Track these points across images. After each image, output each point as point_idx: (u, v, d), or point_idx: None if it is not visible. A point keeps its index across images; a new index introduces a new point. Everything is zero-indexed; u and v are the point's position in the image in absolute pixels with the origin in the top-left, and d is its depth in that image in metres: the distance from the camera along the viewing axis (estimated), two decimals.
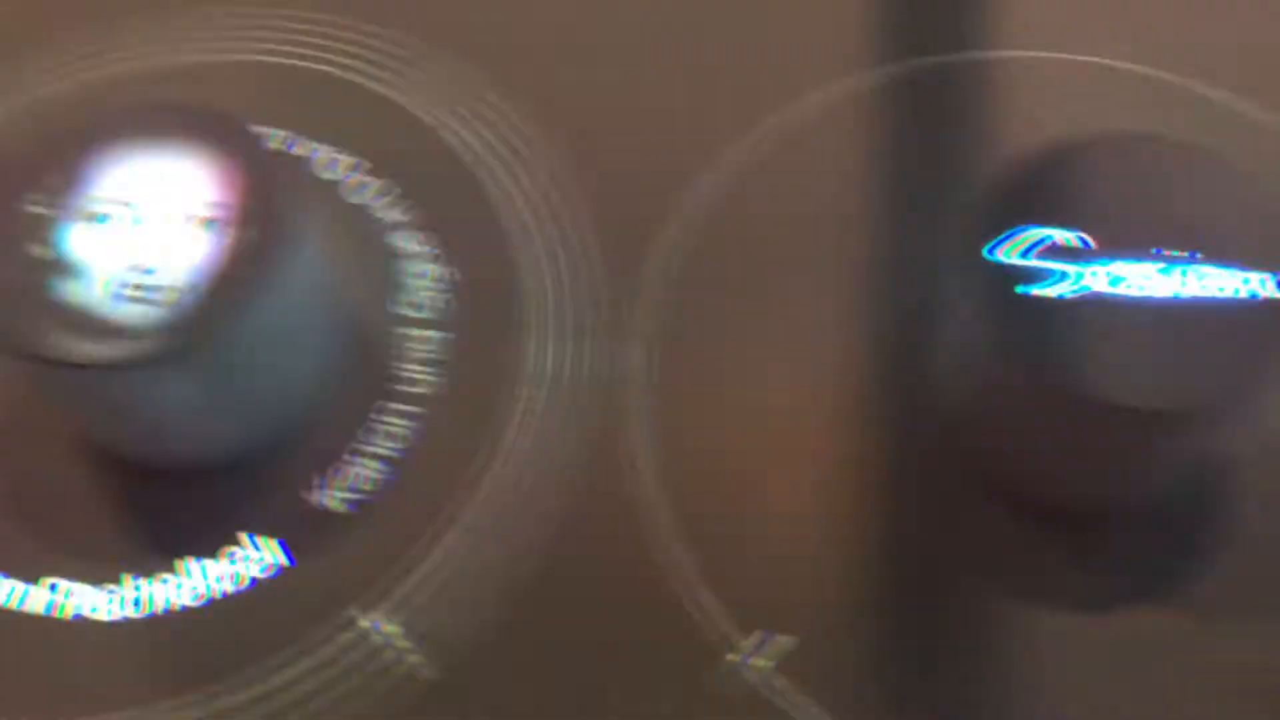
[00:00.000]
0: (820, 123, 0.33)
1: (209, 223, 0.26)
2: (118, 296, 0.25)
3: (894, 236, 0.31)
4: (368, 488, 0.28)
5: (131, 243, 0.26)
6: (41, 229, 0.26)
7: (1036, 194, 0.26)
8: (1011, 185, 0.26)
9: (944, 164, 0.32)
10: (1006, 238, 0.25)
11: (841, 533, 0.28)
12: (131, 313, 0.25)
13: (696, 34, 0.35)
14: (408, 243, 0.32)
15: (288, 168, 0.32)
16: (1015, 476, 0.28)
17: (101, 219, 0.26)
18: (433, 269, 0.31)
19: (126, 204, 0.27)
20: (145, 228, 0.26)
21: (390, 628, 0.27)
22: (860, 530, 0.28)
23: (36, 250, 0.26)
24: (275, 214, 0.26)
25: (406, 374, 0.30)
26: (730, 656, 0.26)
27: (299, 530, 0.28)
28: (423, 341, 0.30)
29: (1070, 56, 0.34)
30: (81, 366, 0.25)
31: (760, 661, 0.26)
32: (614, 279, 0.31)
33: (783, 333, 0.30)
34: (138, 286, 0.25)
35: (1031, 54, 0.34)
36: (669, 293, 0.31)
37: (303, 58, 0.34)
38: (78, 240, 0.26)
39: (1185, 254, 0.25)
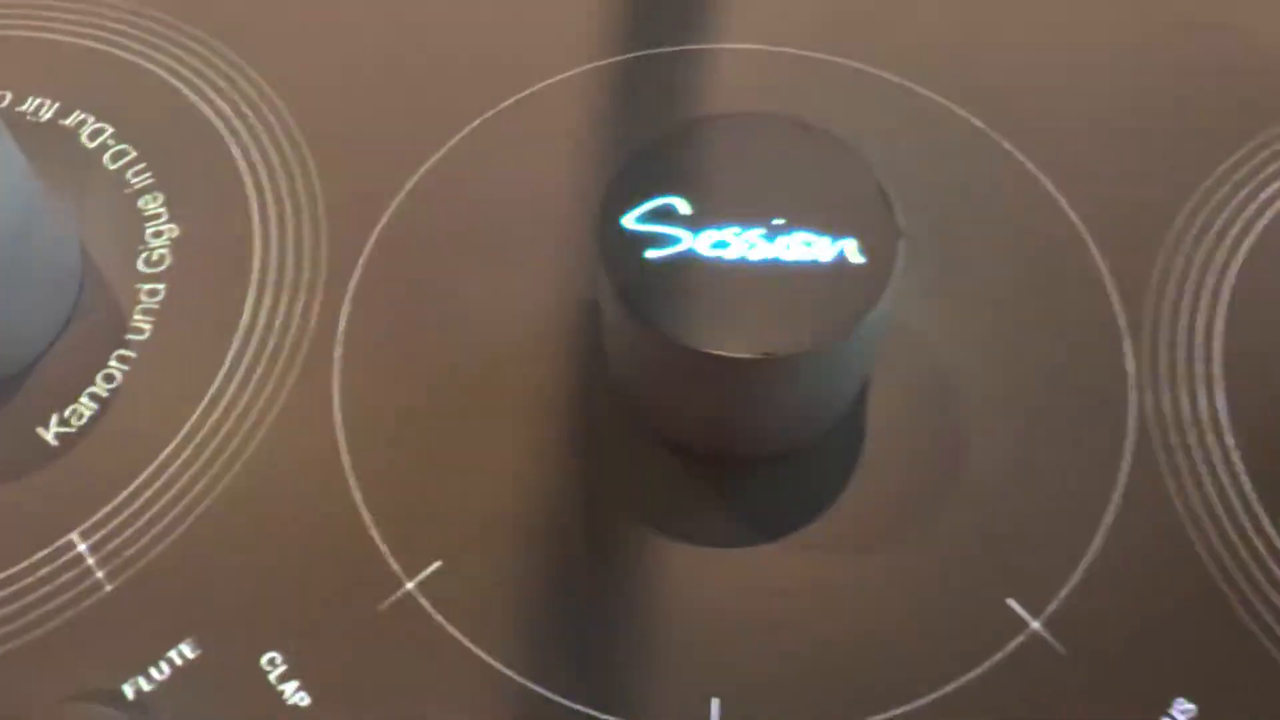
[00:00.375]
0: (545, 110, 0.36)
1: None
2: None
3: (586, 221, 0.34)
4: (78, 424, 0.31)
5: None
6: None
7: (660, 168, 0.28)
8: (640, 160, 0.29)
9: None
10: (633, 207, 0.28)
11: (503, 475, 0.30)
12: None
13: (435, 23, 0.37)
14: (150, 204, 0.34)
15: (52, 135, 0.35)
16: (659, 425, 0.30)
17: None
18: (170, 228, 0.34)
19: None
20: None
21: (87, 549, 0.30)
22: (518, 472, 0.30)
23: None
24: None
25: (135, 324, 0.33)
26: (394, 589, 0.29)
27: (16, 458, 0.31)
28: (151, 294, 0.33)
29: (768, 48, 0.37)
30: None
31: (412, 587, 0.29)
32: (337, 244, 0.34)
33: (473, 301, 0.33)
34: None
35: (741, 46, 0.37)
36: (381, 259, 0.33)
37: (71, 34, 0.37)
38: None
39: (785, 221, 0.28)
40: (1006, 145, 0.35)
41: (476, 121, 0.35)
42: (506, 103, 0.36)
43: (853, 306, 0.27)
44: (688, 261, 0.27)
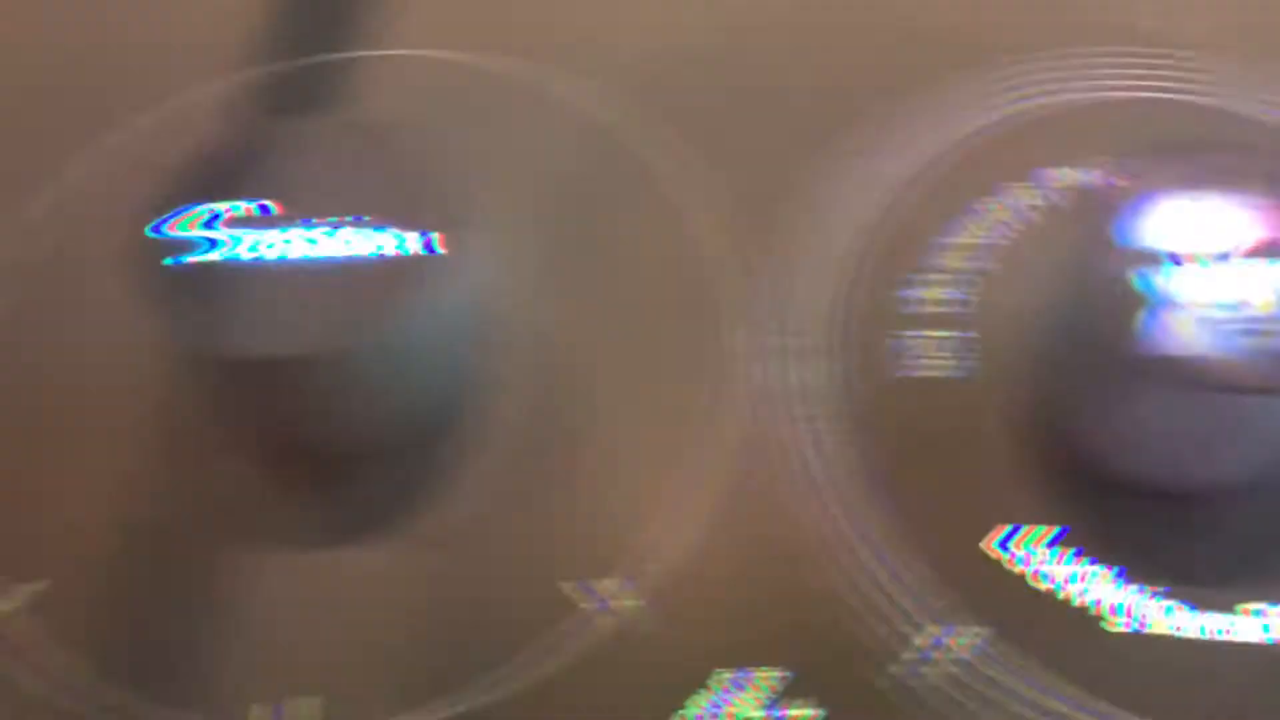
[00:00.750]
0: (194, 119, 0.36)
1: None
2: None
3: None
4: None
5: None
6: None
7: (212, 174, 0.29)
8: (189, 168, 0.29)
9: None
10: (173, 215, 0.29)
11: (93, 495, 0.31)
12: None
13: (80, 25, 0.38)
14: None
15: None
16: (244, 438, 0.31)
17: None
18: None
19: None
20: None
21: None
22: (107, 492, 0.31)
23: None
24: None
25: None
26: None
27: None
28: None
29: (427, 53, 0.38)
30: None
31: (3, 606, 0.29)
32: None
33: (56, 326, 0.33)
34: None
35: (399, 52, 0.38)
36: None
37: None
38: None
39: (352, 219, 0.29)
40: (618, 132, 0.36)
41: (102, 143, 0.36)
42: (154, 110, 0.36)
43: (410, 295, 0.28)
44: (227, 265, 0.28)
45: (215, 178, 0.29)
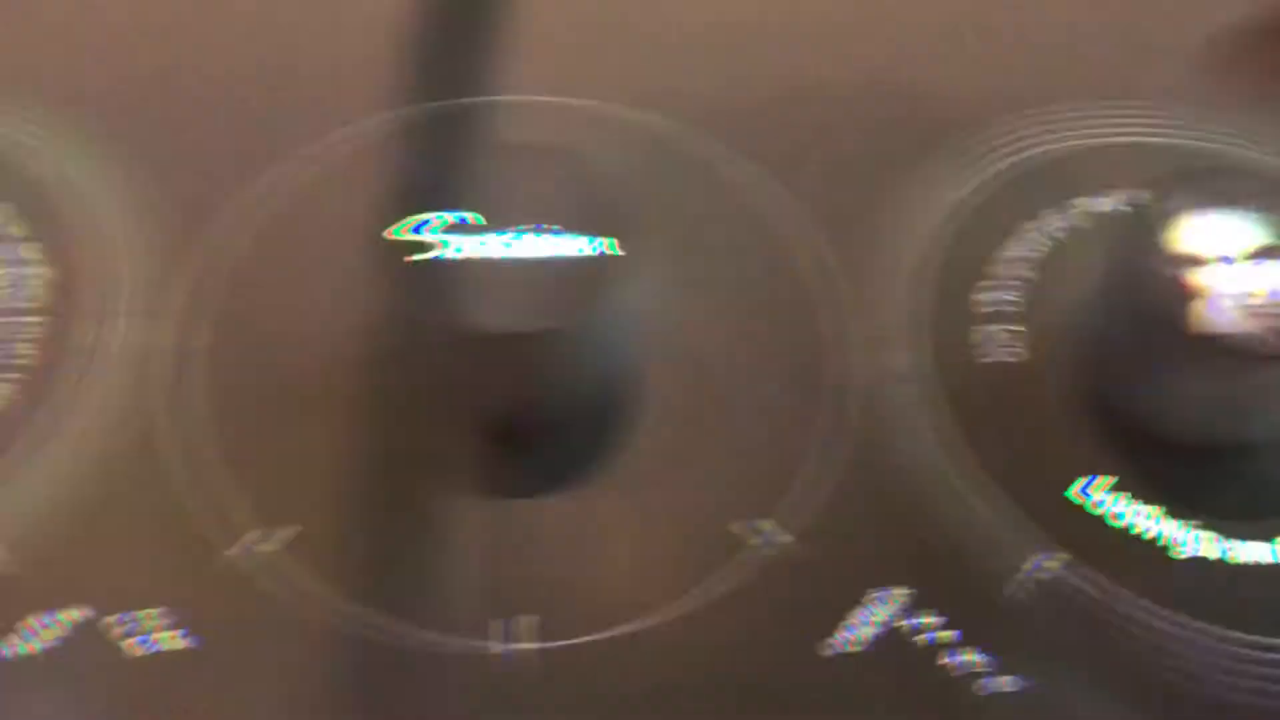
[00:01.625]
0: (346, 155, 0.43)
1: None
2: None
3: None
4: None
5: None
6: None
7: (426, 189, 0.36)
8: (414, 182, 0.36)
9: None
10: (402, 222, 0.35)
11: (334, 452, 0.37)
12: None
13: (243, 71, 0.44)
14: (26, 252, 0.41)
15: None
16: (462, 403, 0.37)
17: None
18: (41, 271, 0.40)
19: None
20: None
21: None
22: (346, 449, 0.37)
23: None
24: None
25: (19, 353, 0.39)
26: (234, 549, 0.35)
27: None
28: (30, 327, 0.39)
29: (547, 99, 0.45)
30: None
31: (267, 548, 0.35)
32: (179, 275, 0.40)
33: (295, 312, 0.39)
34: None
35: (526, 98, 0.45)
36: (225, 283, 0.40)
37: None
38: None
39: (544, 226, 0.35)
40: (733, 166, 0.43)
41: (297, 165, 0.42)
42: (312, 145, 0.43)
43: (595, 290, 0.34)
44: (449, 262, 0.35)
45: (432, 191, 0.36)
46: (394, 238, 0.35)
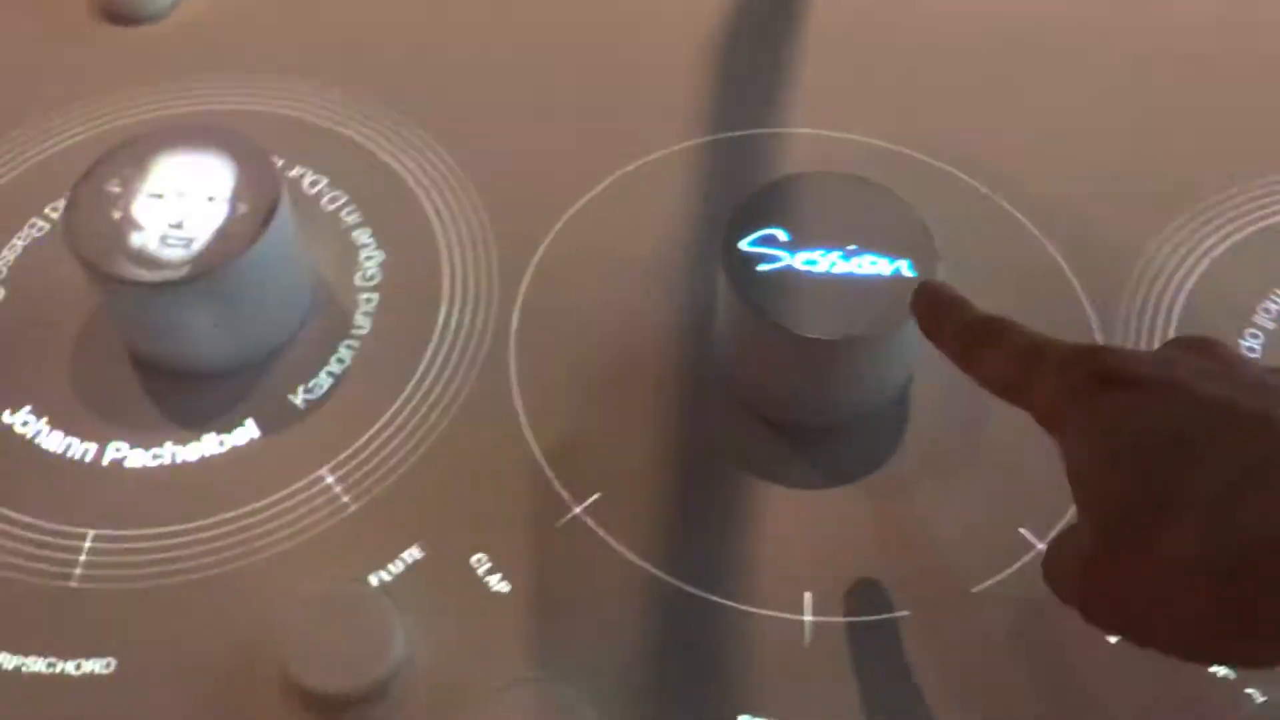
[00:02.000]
0: (658, 173, 0.47)
1: (226, 201, 0.40)
2: (164, 243, 0.39)
3: (696, 252, 0.45)
4: (319, 393, 0.42)
5: (175, 211, 0.40)
6: (117, 201, 0.40)
7: (765, 208, 0.40)
8: (749, 202, 0.40)
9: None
10: (748, 235, 0.39)
11: (645, 433, 0.41)
12: (171, 254, 0.39)
13: (571, 104, 0.49)
14: (361, 236, 0.45)
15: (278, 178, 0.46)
16: (758, 400, 0.41)
17: (156, 196, 0.40)
18: (377, 254, 0.45)
19: (175, 188, 0.41)
20: (186, 202, 0.40)
21: (334, 480, 0.40)
22: (656, 432, 0.41)
23: (114, 214, 0.40)
24: (269, 201, 0.40)
25: (357, 322, 0.44)
26: (565, 513, 0.39)
27: (273, 418, 0.41)
28: (368, 301, 0.44)
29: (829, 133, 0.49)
30: (137, 285, 0.39)
31: (578, 511, 0.39)
32: (505, 268, 0.45)
33: (613, 308, 0.44)
34: (176, 238, 0.39)
35: (807, 131, 0.49)
36: (540, 279, 0.44)
37: (296, 109, 0.49)
38: (140, 208, 0.40)
39: (856, 246, 0.39)
40: (1006, 205, 0.46)
41: (606, 181, 0.47)
42: (624, 170, 0.47)
43: (904, 306, 0.38)
44: (788, 273, 0.39)
45: (766, 210, 0.40)
46: (745, 249, 0.39)
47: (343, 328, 0.43)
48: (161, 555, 0.39)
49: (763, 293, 0.38)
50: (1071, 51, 0.52)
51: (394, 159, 0.48)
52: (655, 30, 0.52)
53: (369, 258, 0.45)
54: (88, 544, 0.39)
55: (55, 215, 0.46)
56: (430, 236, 0.46)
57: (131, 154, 0.41)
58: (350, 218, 0.46)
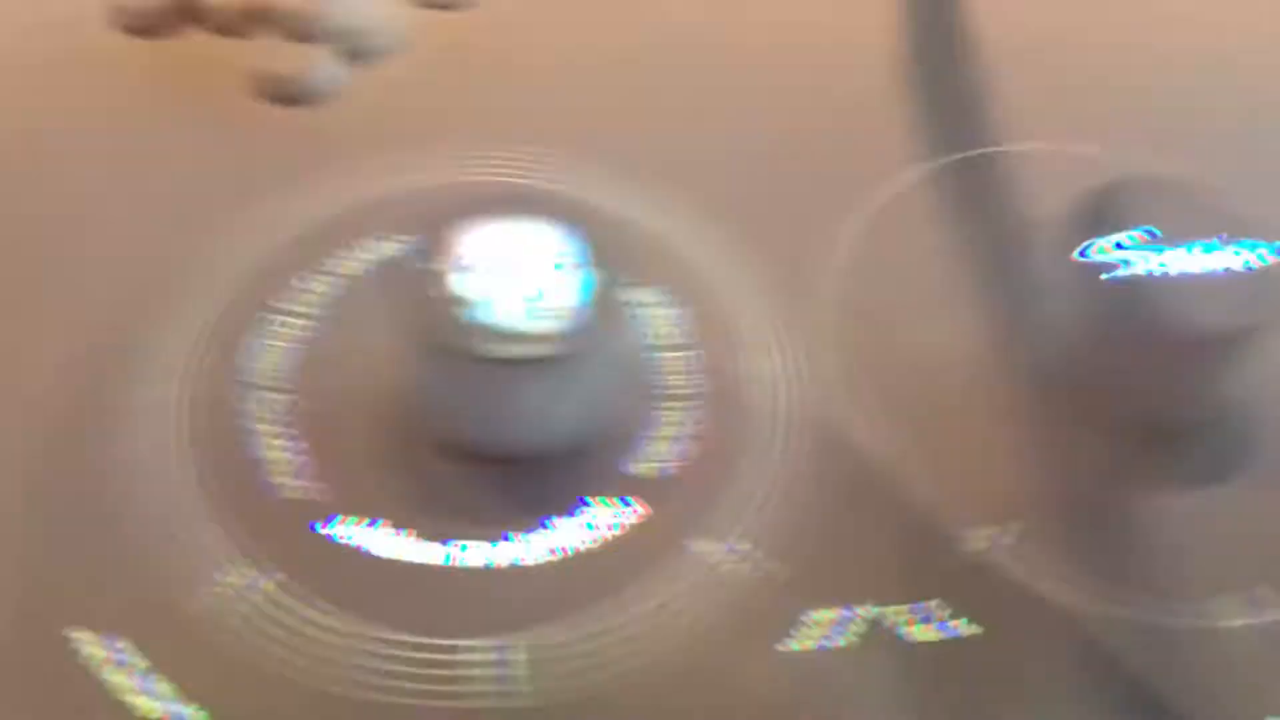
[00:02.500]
0: (905, 198, 0.47)
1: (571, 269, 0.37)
2: (528, 316, 0.36)
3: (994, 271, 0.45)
4: (669, 459, 0.39)
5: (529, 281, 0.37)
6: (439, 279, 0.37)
7: (1104, 214, 0.40)
8: (1085, 211, 0.40)
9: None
10: (1089, 244, 0.39)
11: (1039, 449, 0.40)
12: (534, 324, 0.36)
13: (810, 136, 0.49)
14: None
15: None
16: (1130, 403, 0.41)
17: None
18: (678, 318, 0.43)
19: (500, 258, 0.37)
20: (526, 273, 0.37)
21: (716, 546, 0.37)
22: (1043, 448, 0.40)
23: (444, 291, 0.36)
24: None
25: (673, 385, 0.41)
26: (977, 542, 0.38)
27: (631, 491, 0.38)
28: (679, 362, 0.42)
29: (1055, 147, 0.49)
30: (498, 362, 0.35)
31: (1004, 542, 0.38)
32: (790, 310, 0.43)
33: (924, 329, 0.43)
34: (534, 308, 0.36)
35: (1036, 146, 0.49)
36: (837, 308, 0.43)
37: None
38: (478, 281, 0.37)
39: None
40: None
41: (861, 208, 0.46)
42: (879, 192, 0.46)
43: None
44: (1139, 276, 0.39)
45: (1099, 216, 0.40)
46: (1096, 257, 0.39)
47: (662, 394, 0.41)
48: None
49: (1120, 297, 0.38)
50: None
51: (641, 214, 0.45)
52: (850, 53, 0.52)
53: (662, 317, 0.43)
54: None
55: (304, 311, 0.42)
56: (708, 289, 0.44)
57: (433, 226, 0.38)
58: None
